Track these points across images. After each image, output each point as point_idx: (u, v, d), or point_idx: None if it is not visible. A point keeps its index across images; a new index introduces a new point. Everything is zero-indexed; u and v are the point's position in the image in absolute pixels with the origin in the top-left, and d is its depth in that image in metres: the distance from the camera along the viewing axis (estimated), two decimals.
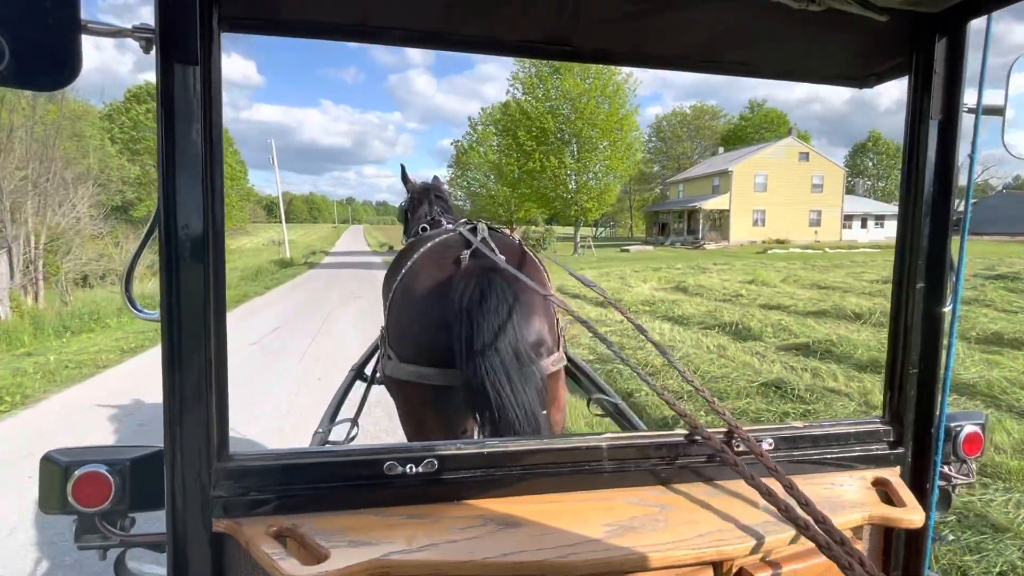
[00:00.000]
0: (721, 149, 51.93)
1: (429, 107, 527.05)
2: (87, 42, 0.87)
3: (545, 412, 1.78)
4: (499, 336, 1.73)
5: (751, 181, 40.51)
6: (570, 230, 34.72)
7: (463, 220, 2.52)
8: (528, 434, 1.65)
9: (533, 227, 40.31)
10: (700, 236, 40.81)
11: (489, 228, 2.23)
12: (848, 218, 43.12)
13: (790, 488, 1.00)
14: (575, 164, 28.97)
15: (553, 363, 2.01)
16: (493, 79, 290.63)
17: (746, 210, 40.44)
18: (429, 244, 2.20)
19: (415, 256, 2.15)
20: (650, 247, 38.89)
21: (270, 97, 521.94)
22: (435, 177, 3.60)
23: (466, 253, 1.98)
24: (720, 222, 41.02)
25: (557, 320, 2.13)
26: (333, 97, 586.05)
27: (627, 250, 36.32)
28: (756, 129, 55.96)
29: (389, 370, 2.04)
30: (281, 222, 45.57)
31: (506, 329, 1.74)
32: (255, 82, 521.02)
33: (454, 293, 1.80)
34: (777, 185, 40.41)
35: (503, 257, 1.89)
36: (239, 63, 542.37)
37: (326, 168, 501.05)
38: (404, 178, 3.60)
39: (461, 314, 1.75)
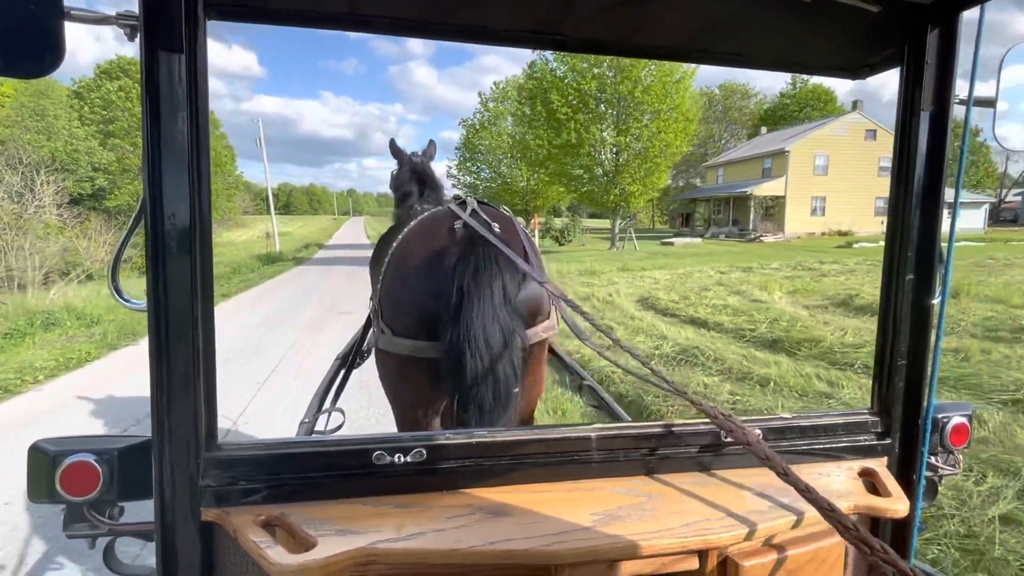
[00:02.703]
0: (764, 129, 46.22)
1: (430, 98, 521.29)
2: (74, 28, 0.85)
3: (517, 390, 1.75)
4: (488, 305, 1.69)
5: (810, 163, 34.94)
6: (594, 221, 29.78)
7: (453, 196, 2.50)
8: (499, 411, 1.67)
9: (557, 217, 35.07)
10: (750, 227, 35.35)
11: (479, 202, 2.14)
12: None
13: (784, 475, 1.04)
14: (619, 137, 23.21)
15: (544, 330, 1.98)
16: (494, 71, 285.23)
17: (804, 197, 34.91)
18: (419, 218, 2.18)
19: (406, 229, 2.12)
20: (697, 239, 33.45)
21: (271, 88, 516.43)
22: (430, 142, 3.35)
23: (459, 223, 1.92)
24: (774, 210, 35.51)
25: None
26: (334, 88, 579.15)
27: (670, 243, 31.02)
28: (800, 107, 50.10)
29: (383, 344, 1.98)
30: (270, 213, 41.18)
31: (497, 298, 1.70)
32: (256, 73, 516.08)
33: (448, 262, 1.77)
34: (839, 168, 34.80)
35: (496, 225, 1.90)
36: (240, 54, 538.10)
37: (327, 160, 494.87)
38: (395, 150, 3.22)
39: (452, 282, 1.71)
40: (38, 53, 0.82)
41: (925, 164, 1.19)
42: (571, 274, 15.52)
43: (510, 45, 1.35)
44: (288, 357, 7.55)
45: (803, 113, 48.88)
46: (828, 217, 35.16)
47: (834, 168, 34.94)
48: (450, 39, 1.27)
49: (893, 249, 1.24)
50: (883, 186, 36.81)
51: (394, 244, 2.07)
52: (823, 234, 34.32)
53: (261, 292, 15.82)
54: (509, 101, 40.97)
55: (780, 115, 51.66)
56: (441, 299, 1.73)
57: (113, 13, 0.92)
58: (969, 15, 1.12)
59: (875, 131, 35.64)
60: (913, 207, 1.20)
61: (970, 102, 1.12)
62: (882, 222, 34.47)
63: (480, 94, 42.58)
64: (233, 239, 48.19)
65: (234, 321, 10.48)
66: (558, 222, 32.64)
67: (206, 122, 0.96)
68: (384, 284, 2.06)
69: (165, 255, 0.93)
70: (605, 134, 23.66)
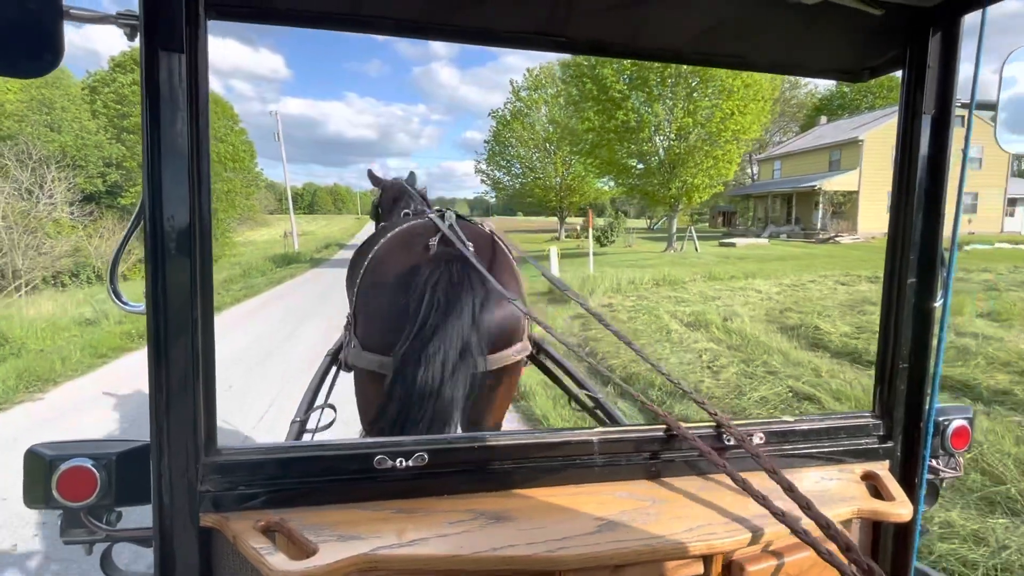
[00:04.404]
0: (823, 119, 41.96)
1: (453, 99, 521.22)
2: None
3: (457, 413, 1.70)
4: (454, 326, 1.67)
5: (887, 154, 30.65)
6: (631, 221, 26.14)
7: (436, 208, 2.48)
8: (437, 431, 1.64)
9: (599, 217, 31.65)
10: (818, 225, 31.37)
11: (458, 217, 2.15)
12: (1011, 202, 33.12)
13: (775, 474, 1.01)
14: (686, 119, 19.58)
15: (517, 352, 1.96)
16: (516, 70, 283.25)
17: (880, 192, 30.68)
18: (397, 230, 2.14)
19: (382, 240, 2.10)
20: (761, 240, 29.63)
21: (297, 90, 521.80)
22: (411, 173, 3.45)
23: (434, 240, 1.91)
24: (846, 207, 31.44)
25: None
26: (358, 90, 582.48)
27: (730, 244, 27.39)
28: (861, 94, 45.52)
29: (352, 358, 1.98)
30: (289, 212, 39.07)
31: (464, 319, 1.69)
32: (283, 75, 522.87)
33: (418, 279, 1.76)
34: None
35: (471, 245, 1.89)
36: (268, 57, 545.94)
37: (351, 160, 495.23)
38: (373, 178, 3.49)
39: (419, 301, 1.71)
40: (36, 53, 0.81)
41: (927, 167, 1.19)
42: (646, 284, 12.21)
43: (512, 47, 1.32)
44: (258, 432, 4.48)
45: (865, 101, 44.40)
46: None
47: None
48: (452, 40, 1.25)
49: (895, 252, 1.25)
50: (971, 180, 32.75)
51: (369, 256, 2.06)
52: None
53: (261, 303, 12.94)
54: (544, 89, 37.73)
55: (839, 104, 47.20)
56: (408, 316, 1.70)
57: (113, 12, 0.90)
58: (971, 18, 1.12)
59: (962, 117, 31.09)
60: (915, 210, 1.21)
61: (972, 106, 1.11)
62: (969, 220, 30.47)
63: (512, 82, 39.41)
64: (255, 239, 46.28)
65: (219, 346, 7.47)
66: (600, 221, 29.31)
67: (206, 123, 0.95)
68: (357, 296, 2.03)
69: (164, 257, 0.92)
70: (677, 114, 19.81)
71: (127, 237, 1.02)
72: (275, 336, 8.73)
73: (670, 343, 6.79)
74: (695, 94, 19.90)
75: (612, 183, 29.86)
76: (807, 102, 53.56)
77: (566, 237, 39.79)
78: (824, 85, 53.81)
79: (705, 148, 19.93)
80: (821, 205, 31.36)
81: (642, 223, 58.22)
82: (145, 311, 0.93)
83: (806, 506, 0.95)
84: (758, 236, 32.57)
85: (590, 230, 16.30)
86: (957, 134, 1.18)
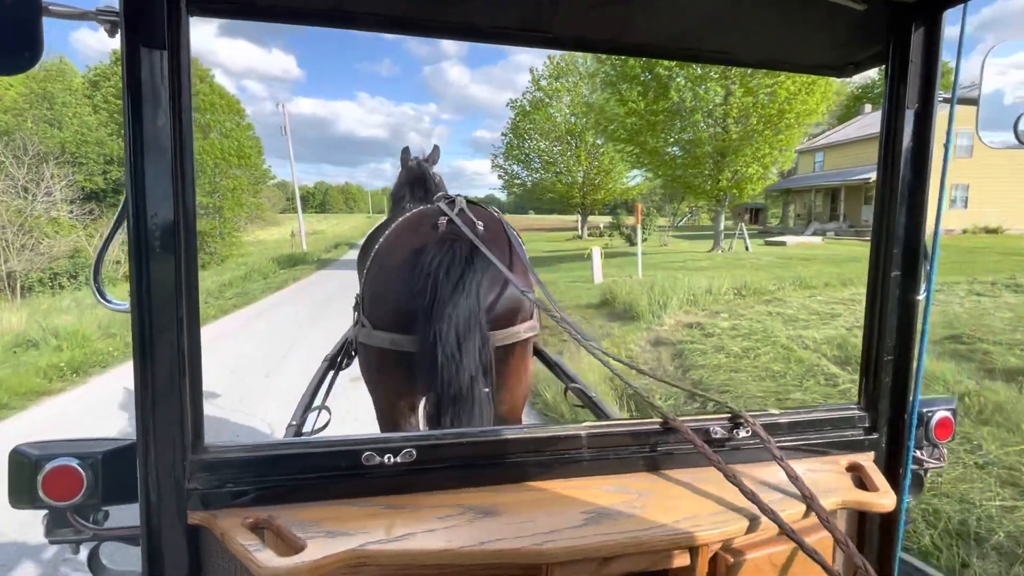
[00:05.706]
0: (868, 107, 39.05)
1: (463, 97, 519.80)
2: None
3: (486, 389, 1.72)
4: (462, 303, 1.69)
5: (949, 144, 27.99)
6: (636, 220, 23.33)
7: (442, 194, 2.52)
8: (464, 408, 1.65)
9: (630, 214, 29.22)
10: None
11: (468, 201, 2.15)
12: None
13: (788, 468, 1.06)
14: (745, 98, 16.98)
15: (526, 330, 1.97)
16: (527, 68, 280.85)
17: (938, 185, 27.97)
18: (406, 215, 2.20)
19: (393, 225, 2.15)
20: (814, 238, 26.95)
21: (309, 90, 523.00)
22: (435, 147, 3.40)
23: (443, 220, 1.93)
24: None
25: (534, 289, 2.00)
26: (369, 90, 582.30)
27: (780, 243, 24.82)
28: None
29: (362, 337, 2.01)
30: (297, 211, 37.27)
31: (471, 296, 1.71)
32: (295, 75, 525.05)
33: (426, 258, 1.78)
34: (987, 150, 27.63)
35: (480, 225, 1.91)
36: (280, 57, 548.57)
37: (361, 160, 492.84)
38: (404, 158, 3.31)
39: (428, 279, 1.73)
40: (16, 49, 0.80)
41: (910, 161, 1.20)
42: (725, 294, 9.80)
43: (498, 43, 1.32)
44: None
45: None
46: (972, 209, 28.11)
47: (980, 149, 27.83)
48: (437, 36, 1.23)
49: (879, 245, 1.26)
50: None
51: (380, 239, 2.10)
52: (964, 231, 27.41)
53: (252, 315, 10.75)
54: (566, 77, 35.32)
55: (879, 91, 44.09)
56: (417, 294, 1.73)
57: (93, 9, 0.89)
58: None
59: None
60: (898, 204, 1.21)
61: (954, 99, 1.12)
62: None
63: (532, 70, 37.02)
64: (265, 238, 44.54)
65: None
66: (630, 219, 26.92)
67: (189, 120, 0.94)
68: (368, 277, 2.07)
69: (148, 255, 0.92)
70: (737, 92, 17.17)
71: (111, 235, 1.01)
72: (259, 365, 6.52)
73: (842, 396, 4.45)
74: (751, 71, 17.35)
75: (646, 175, 27.33)
76: (843, 90, 50.48)
77: (588, 236, 37.41)
78: (865, 72, 50.68)
79: (767, 133, 17.32)
80: (875, 200, 28.58)
81: (664, 220, 55.67)
82: (130, 309, 0.93)
83: (810, 497, 1.00)
84: (801, 233, 29.86)
85: (638, 227, 13.92)
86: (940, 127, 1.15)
